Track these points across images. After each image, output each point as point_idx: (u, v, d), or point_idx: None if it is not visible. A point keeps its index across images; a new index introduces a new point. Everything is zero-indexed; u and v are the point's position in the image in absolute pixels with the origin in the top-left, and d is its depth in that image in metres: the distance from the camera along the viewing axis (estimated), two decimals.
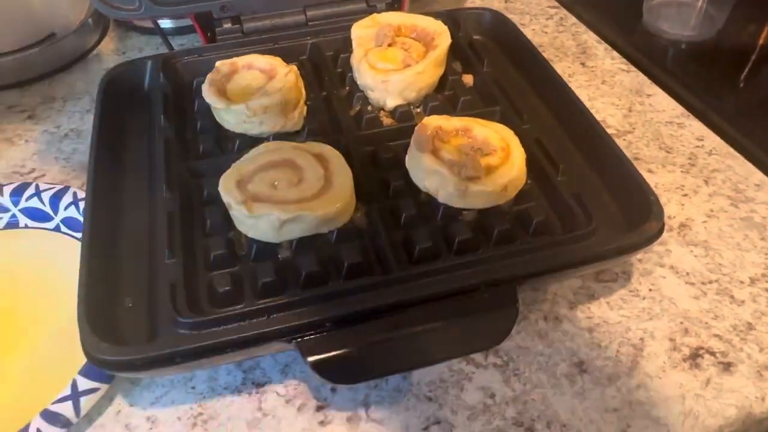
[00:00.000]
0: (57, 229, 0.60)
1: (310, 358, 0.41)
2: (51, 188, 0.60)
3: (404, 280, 0.44)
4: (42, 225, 0.60)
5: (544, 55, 0.81)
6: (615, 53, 0.82)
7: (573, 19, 0.89)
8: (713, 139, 0.69)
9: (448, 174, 0.47)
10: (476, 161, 0.47)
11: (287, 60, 0.65)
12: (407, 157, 0.51)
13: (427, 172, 0.48)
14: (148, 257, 0.48)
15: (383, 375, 0.46)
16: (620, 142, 0.68)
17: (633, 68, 0.79)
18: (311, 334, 0.42)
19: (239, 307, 0.45)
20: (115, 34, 0.89)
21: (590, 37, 0.85)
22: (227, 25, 0.68)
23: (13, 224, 0.61)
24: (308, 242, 0.48)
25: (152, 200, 0.52)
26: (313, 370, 0.41)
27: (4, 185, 0.61)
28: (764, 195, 0.62)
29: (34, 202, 0.60)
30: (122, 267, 0.48)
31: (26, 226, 0.60)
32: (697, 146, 0.68)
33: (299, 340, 0.42)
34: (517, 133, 0.54)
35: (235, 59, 0.59)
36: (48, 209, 0.60)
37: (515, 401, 0.47)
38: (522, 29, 0.85)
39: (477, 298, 0.44)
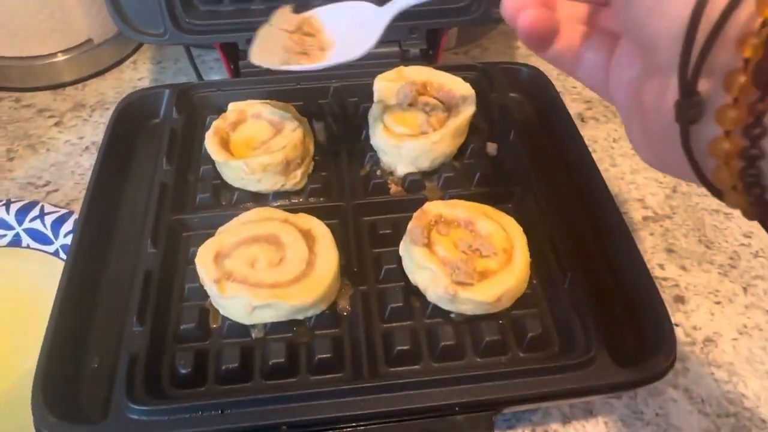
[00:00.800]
0: (56, 254, 0.59)
1: None
2: (55, 212, 0.60)
3: (372, 391, 0.40)
4: (43, 248, 0.60)
5: (592, 112, 0.76)
6: None
7: None
8: (763, 238, 0.61)
9: (439, 273, 0.43)
10: (471, 264, 0.43)
11: (307, 102, 0.62)
12: (401, 244, 0.47)
13: (417, 266, 0.45)
14: (122, 317, 0.46)
15: None
16: (656, 228, 0.62)
17: None
18: None
19: (199, 390, 0.43)
20: None
21: None
22: None
23: (16, 242, 0.61)
24: (282, 326, 0.45)
25: (138, 250, 0.50)
26: None
27: (12, 202, 0.61)
28: None
29: (37, 224, 0.60)
30: (95, 323, 0.47)
31: (28, 246, 0.60)
32: (743, 244, 0.61)
33: None
34: (531, 224, 0.49)
35: (244, 107, 0.56)
36: (49, 233, 0.60)
37: None
38: (573, 80, 0.80)
39: (449, 420, 0.40)
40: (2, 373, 0.50)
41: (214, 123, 0.55)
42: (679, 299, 0.57)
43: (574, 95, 0.78)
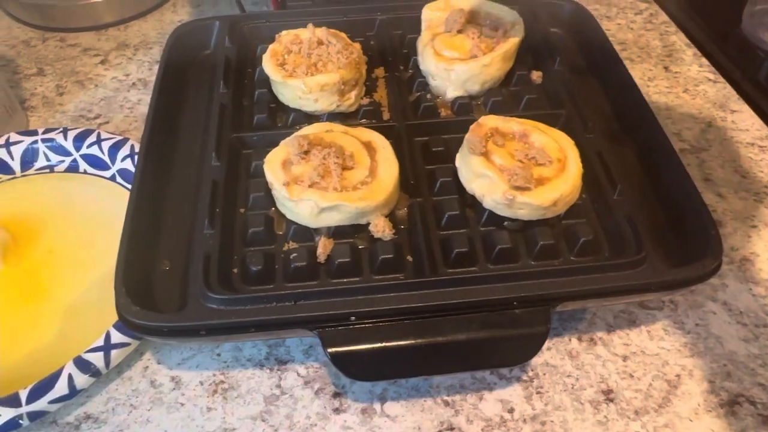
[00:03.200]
0: (113, 178, 0.61)
1: (330, 350, 0.41)
2: (111, 138, 0.62)
3: (433, 285, 0.43)
4: (100, 173, 0.62)
5: (626, 53, 0.77)
6: (704, 60, 0.76)
7: (664, 17, 0.83)
8: None
9: (497, 180, 0.45)
10: (528, 171, 0.45)
11: (353, 35, 0.63)
12: (458, 155, 0.49)
13: (475, 175, 0.47)
14: (190, 224, 0.49)
15: (400, 377, 0.46)
16: (692, 159, 0.64)
17: (721, 79, 0.73)
18: (334, 326, 0.42)
19: (269, 287, 0.45)
20: None
21: (679, 39, 0.79)
22: None
23: (73, 168, 0.63)
24: (346, 231, 0.47)
25: (201, 166, 0.52)
26: (332, 362, 0.41)
27: (69, 130, 0.63)
28: None
29: (95, 150, 0.62)
30: (164, 230, 0.49)
31: (85, 172, 0.63)
32: None
33: (321, 329, 0.42)
34: (579, 143, 0.51)
35: (298, 31, 0.58)
36: (107, 158, 0.62)
37: (533, 420, 0.46)
38: (606, 23, 0.82)
39: (508, 313, 0.43)
40: (72, 282, 0.53)
41: (270, 46, 0.57)
42: (717, 224, 0.58)
43: (609, 37, 0.79)
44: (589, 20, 0.65)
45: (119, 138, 0.62)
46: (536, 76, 0.59)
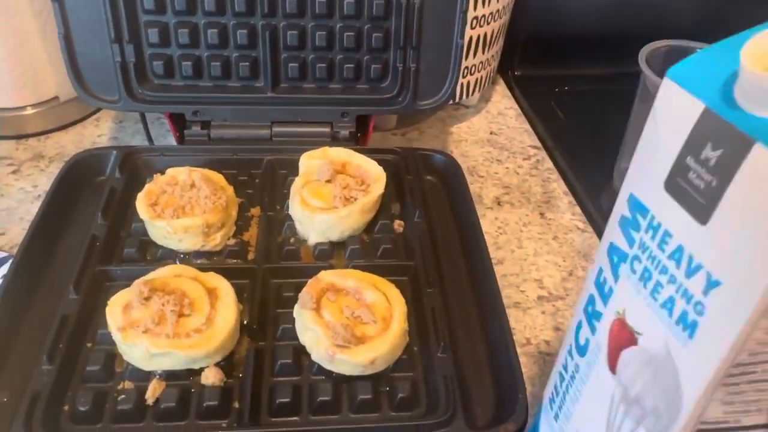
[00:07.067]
0: None
1: None
2: None
3: None
4: None
5: (509, 197, 0.84)
6: (577, 209, 0.82)
7: (549, 164, 0.90)
8: None
9: (322, 335, 0.49)
10: (350, 329, 0.49)
11: (239, 172, 0.68)
12: (296, 306, 0.53)
13: (305, 328, 0.50)
14: (34, 356, 0.51)
15: None
16: (547, 308, 0.68)
17: (589, 229, 0.79)
18: None
19: (96, 426, 0.47)
20: None
21: (559, 187, 0.86)
22: (196, 128, 0.72)
23: None
24: (181, 374, 0.50)
25: (60, 297, 0.55)
26: None
27: None
28: None
29: None
30: (12, 359, 0.51)
31: None
32: None
33: None
34: (416, 297, 0.56)
35: (176, 173, 0.62)
36: None
37: None
38: (496, 166, 0.88)
39: None
40: None
41: (147, 185, 0.61)
42: None
43: (495, 180, 0.86)
44: (456, 171, 0.71)
45: (4, 255, 0.65)
46: (398, 225, 0.65)
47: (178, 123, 0.73)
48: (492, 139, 0.94)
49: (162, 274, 0.53)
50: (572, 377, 0.42)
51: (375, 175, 0.64)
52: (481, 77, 0.92)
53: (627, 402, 0.36)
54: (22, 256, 0.57)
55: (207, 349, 0.48)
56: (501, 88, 1.07)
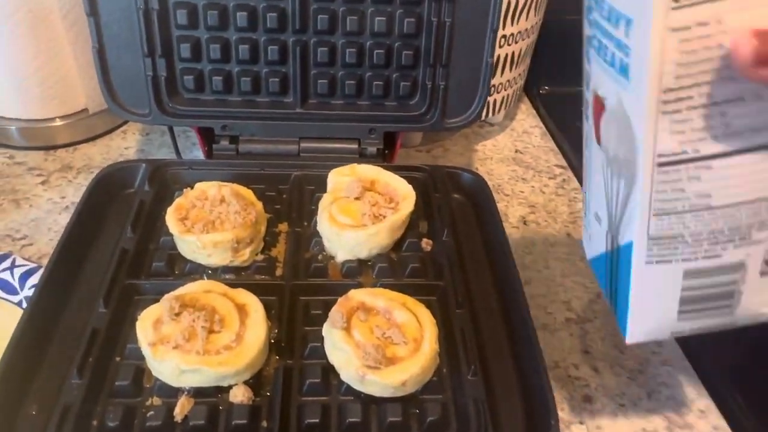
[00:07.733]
0: (20, 304, 0.64)
1: None
2: (24, 265, 0.66)
3: None
4: (8, 297, 0.65)
5: (534, 216, 0.83)
6: None
7: (575, 184, 0.89)
8: (670, 348, 0.67)
9: (352, 355, 0.48)
10: (381, 350, 0.48)
11: (267, 187, 0.68)
12: (325, 324, 0.52)
13: (335, 348, 0.50)
14: (65, 370, 0.51)
15: None
16: (576, 330, 0.68)
17: None
18: None
19: None
20: None
21: None
22: (224, 143, 0.73)
23: None
24: (209, 391, 0.50)
25: (90, 310, 0.55)
26: None
27: None
28: (705, 425, 0.60)
29: (6, 275, 0.65)
30: (42, 372, 0.51)
31: None
32: (654, 352, 0.66)
33: None
34: (448, 317, 0.55)
35: (207, 187, 0.62)
36: (16, 284, 0.65)
37: None
38: (521, 185, 0.88)
39: None
40: None
41: (177, 199, 0.61)
42: (587, 399, 0.61)
43: (521, 199, 0.86)
44: (483, 190, 0.70)
45: (33, 266, 0.66)
46: (426, 244, 0.64)
47: (207, 137, 0.74)
48: (517, 158, 0.94)
49: (192, 289, 0.53)
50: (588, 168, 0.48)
51: (403, 192, 0.64)
52: (508, 95, 0.92)
53: (609, 163, 0.42)
54: (51, 269, 0.57)
55: (237, 367, 0.48)
56: (526, 106, 1.07)
